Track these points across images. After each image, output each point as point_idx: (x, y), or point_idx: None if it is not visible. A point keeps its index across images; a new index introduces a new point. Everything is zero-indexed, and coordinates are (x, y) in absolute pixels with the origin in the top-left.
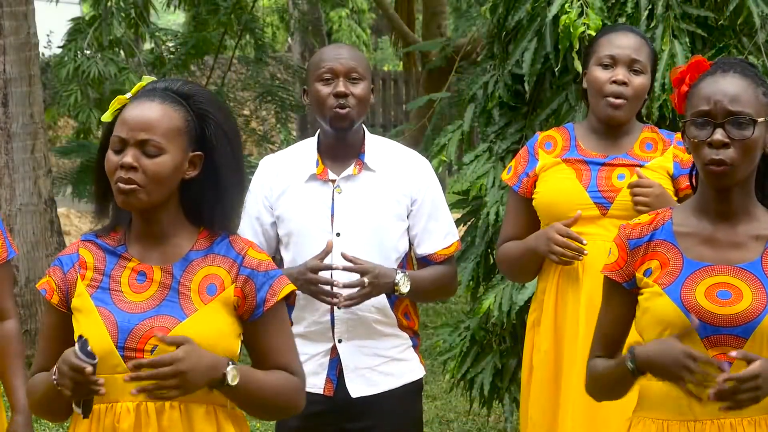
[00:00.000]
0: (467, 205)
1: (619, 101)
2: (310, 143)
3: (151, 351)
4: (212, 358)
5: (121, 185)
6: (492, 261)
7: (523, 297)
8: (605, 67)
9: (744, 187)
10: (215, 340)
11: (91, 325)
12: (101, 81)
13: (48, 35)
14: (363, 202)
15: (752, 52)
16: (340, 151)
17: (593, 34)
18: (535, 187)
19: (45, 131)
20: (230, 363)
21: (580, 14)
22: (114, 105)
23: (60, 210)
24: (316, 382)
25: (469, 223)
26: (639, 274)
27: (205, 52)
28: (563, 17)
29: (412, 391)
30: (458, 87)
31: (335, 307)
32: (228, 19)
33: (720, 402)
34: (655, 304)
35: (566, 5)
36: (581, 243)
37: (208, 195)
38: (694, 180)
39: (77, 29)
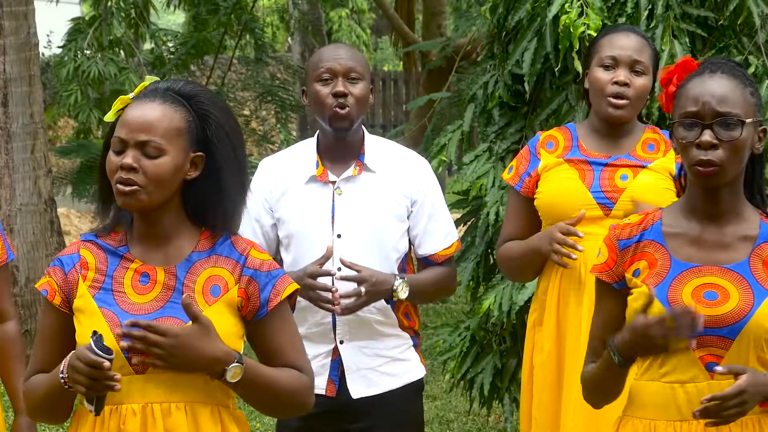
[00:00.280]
0: (467, 205)
1: (621, 101)
2: (310, 144)
3: None
4: (217, 350)
5: (121, 186)
6: (492, 261)
7: (523, 297)
8: (607, 68)
9: (732, 187)
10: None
11: (95, 326)
12: (101, 81)
13: (48, 35)
14: (363, 203)
15: (752, 52)
16: (340, 151)
17: (593, 34)
18: (537, 186)
19: (45, 131)
20: (237, 360)
21: (580, 14)
22: (117, 105)
23: (60, 210)
24: (317, 383)
25: (469, 223)
26: (628, 275)
27: (205, 52)
28: (563, 17)
29: (413, 390)
30: (458, 87)
31: (336, 314)
32: (228, 19)
33: (705, 419)
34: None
35: (566, 5)
36: (578, 236)
37: (210, 195)
38: (682, 180)
39: (77, 29)
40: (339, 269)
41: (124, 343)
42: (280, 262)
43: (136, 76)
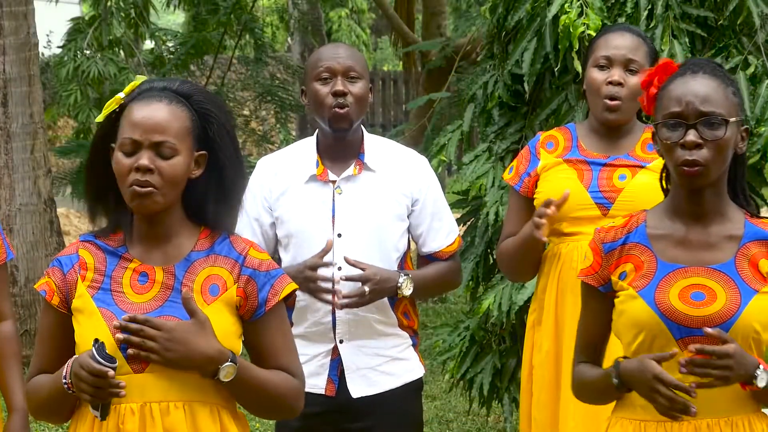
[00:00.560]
0: (467, 205)
1: (614, 103)
2: (309, 143)
3: None
4: (212, 349)
5: (138, 188)
6: (492, 261)
7: (523, 297)
8: (601, 68)
9: (716, 187)
10: (218, 340)
11: (93, 326)
12: (101, 81)
13: (48, 35)
14: (363, 202)
15: (752, 52)
16: (340, 151)
17: (593, 34)
18: (536, 186)
19: (44, 131)
20: (231, 360)
21: (580, 14)
22: (111, 105)
23: (59, 210)
24: (317, 383)
25: (468, 223)
26: (614, 278)
27: (204, 52)
28: (563, 17)
29: (413, 390)
30: (458, 87)
31: (336, 308)
32: (228, 19)
33: (690, 375)
34: (630, 307)
35: (566, 5)
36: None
37: (211, 194)
38: (664, 182)
39: (77, 29)
40: (339, 269)
41: (120, 336)
42: (279, 261)
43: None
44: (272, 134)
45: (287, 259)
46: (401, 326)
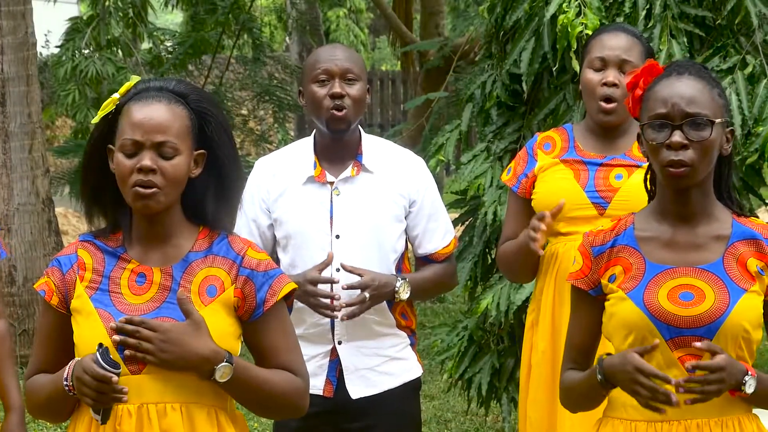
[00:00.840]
0: (465, 204)
1: (609, 106)
2: (306, 144)
3: None
4: (207, 349)
5: (141, 189)
6: (490, 261)
7: (521, 297)
8: (596, 69)
9: (702, 188)
10: (216, 341)
11: (91, 326)
12: (99, 81)
13: (46, 35)
14: (361, 203)
15: (750, 52)
16: (337, 152)
17: (591, 33)
18: (533, 187)
19: (43, 131)
20: (227, 360)
21: (578, 14)
22: (108, 106)
23: (58, 210)
24: (315, 384)
25: (466, 223)
26: (604, 281)
27: (202, 51)
28: (561, 17)
29: (411, 390)
30: (456, 87)
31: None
32: (226, 19)
33: (687, 394)
34: (620, 309)
35: (564, 5)
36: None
37: (210, 193)
38: (648, 184)
39: (75, 29)
40: (338, 270)
41: (117, 338)
42: (277, 261)
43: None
44: (270, 134)
45: (286, 260)
46: (399, 326)
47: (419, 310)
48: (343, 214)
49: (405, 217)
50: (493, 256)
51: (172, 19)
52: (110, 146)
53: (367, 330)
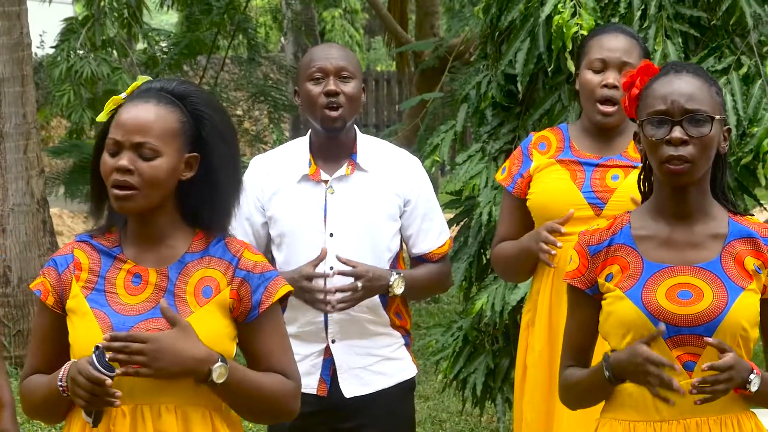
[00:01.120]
0: (460, 205)
1: (610, 109)
2: (302, 143)
3: None
4: (200, 351)
5: (117, 190)
6: (485, 261)
7: (516, 297)
8: (596, 71)
9: (700, 186)
10: (211, 342)
11: (86, 326)
12: (94, 81)
13: (41, 35)
14: (356, 202)
15: (744, 52)
16: (332, 151)
17: (586, 34)
18: (529, 187)
19: (38, 131)
20: (221, 361)
21: (573, 14)
22: (109, 105)
23: (53, 210)
24: (309, 383)
25: (461, 223)
26: (601, 280)
27: (197, 52)
28: (556, 17)
29: (405, 389)
30: (451, 87)
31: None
32: (221, 19)
33: (699, 393)
34: (617, 308)
35: (559, 5)
36: (559, 233)
37: (205, 196)
38: (642, 184)
39: (70, 29)
40: (331, 268)
41: (109, 354)
42: (272, 260)
43: (129, 76)
44: (265, 134)
45: (281, 258)
46: (393, 326)
47: (414, 311)
48: (337, 213)
49: (399, 217)
50: (488, 257)
51: (168, 19)
52: None
53: (361, 329)
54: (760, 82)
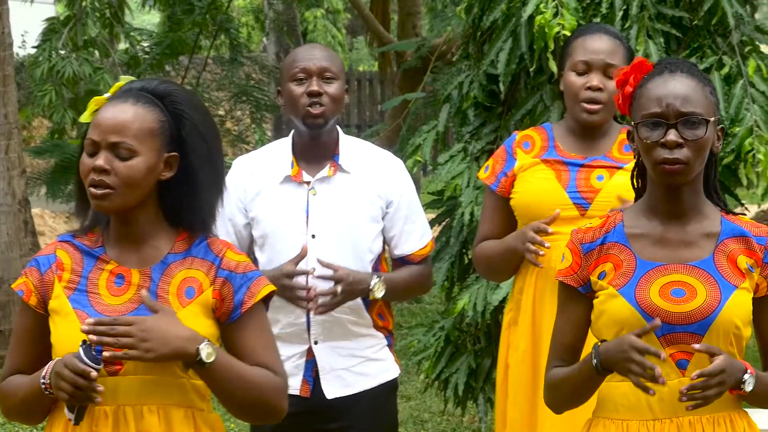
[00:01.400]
0: (442, 205)
1: (594, 107)
2: (284, 144)
3: None
4: (186, 331)
5: (93, 189)
6: (467, 261)
7: (498, 297)
8: (579, 73)
9: (693, 185)
10: None
11: (68, 327)
12: (76, 81)
13: (22, 35)
14: (338, 203)
15: (726, 52)
16: (315, 151)
17: (568, 34)
18: (513, 186)
19: (19, 131)
20: (207, 341)
21: (555, 14)
22: (92, 106)
23: (34, 210)
24: (292, 384)
25: (443, 223)
26: (593, 278)
27: (179, 52)
28: (538, 17)
29: (388, 390)
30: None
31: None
32: (203, 19)
33: (689, 400)
34: (610, 306)
35: (541, 5)
36: (547, 233)
37: (185, 196)
38: (635, 182)
39: (52, 29)
40: (314, 269)
41: (94, 337)
42: (254, 261)
43: (110, 76)
44: (247, 134)
45: (263, 259)
46: (376, 327)
47: (396, 311)
48: (319, 214)
49: (382, 218)
50: (470, 257)
51: (149, 19)
52: None
53: (344, 330)
54: (741, 82)
